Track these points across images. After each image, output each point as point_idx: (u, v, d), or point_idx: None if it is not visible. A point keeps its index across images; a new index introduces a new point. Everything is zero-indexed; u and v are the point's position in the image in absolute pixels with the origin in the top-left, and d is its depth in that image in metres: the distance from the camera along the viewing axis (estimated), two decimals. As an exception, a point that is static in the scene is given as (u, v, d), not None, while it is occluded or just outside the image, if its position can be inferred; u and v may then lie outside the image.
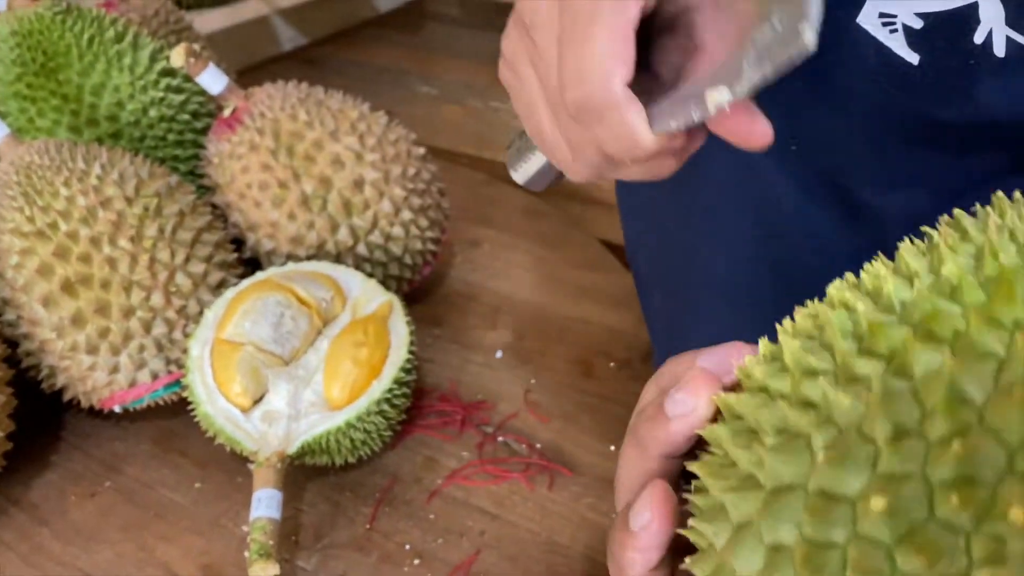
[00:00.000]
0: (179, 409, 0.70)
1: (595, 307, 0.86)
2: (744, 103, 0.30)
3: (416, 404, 0.73)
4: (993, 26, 0.32)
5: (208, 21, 1.31)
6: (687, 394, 0.26)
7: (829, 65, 0.37)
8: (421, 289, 0.87)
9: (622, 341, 0.82)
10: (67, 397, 0.69)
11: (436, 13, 1.78)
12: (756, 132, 0.30)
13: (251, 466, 0.61)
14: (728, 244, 0.56)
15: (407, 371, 0.65)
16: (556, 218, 1.00)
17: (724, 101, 0.29)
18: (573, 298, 0.87)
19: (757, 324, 0.30)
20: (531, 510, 0.64)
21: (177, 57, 0.71)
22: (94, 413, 0.72)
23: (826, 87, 0.39)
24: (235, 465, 0.68)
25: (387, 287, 0.78)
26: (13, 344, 0.68)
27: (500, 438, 0.71)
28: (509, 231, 0.98)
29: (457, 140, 1.32)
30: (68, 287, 0.64)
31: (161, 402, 0.69)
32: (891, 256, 0.24)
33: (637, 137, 0.30)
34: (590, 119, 0.30)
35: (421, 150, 0.80)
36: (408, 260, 0.79)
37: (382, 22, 1.77)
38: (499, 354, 0.80)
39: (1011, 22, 0.32)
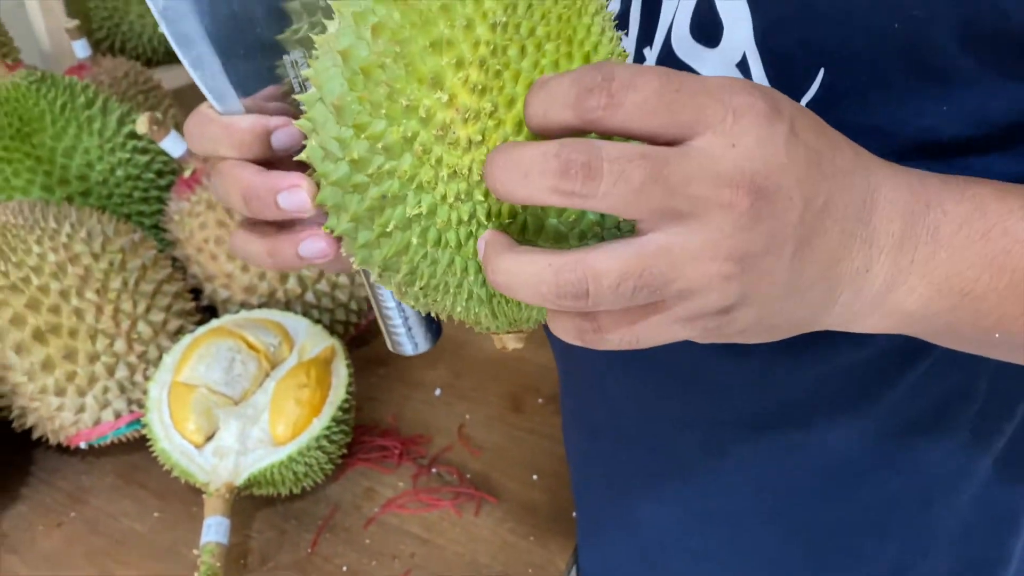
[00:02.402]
0: (140, 444, 0.77)
1: (529, 345, 0.94)
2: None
3: (359, 439, 0.80)
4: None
5: (176, 76, 1.38)
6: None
7: None
8: (368, 331, 0.95)
9: (551, 377, 0.90)
10: (36, 435, 0.75)
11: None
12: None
13: (204, 496, 0.68)
14: None
15: (345, 410, 0.72)
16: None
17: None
18: (509, 339, 0.95)
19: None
20: (458, 534, 0.72)
21: (141, 125, 0.79)
22: (61, 449, 0.79)
23: None
24: (190, 496, 0.75)
25: (335, 331, 0.86)
26: (-13, 387, 0.74)
27: (434, 469, 0.78)
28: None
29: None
30: (39, 335, 0.71)
31: (124, 438, 0.76)
32: None
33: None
34: None
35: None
36: (354, 306, 0.86)
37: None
38: (438, 392, 0.88)
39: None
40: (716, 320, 0.31)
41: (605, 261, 0.28)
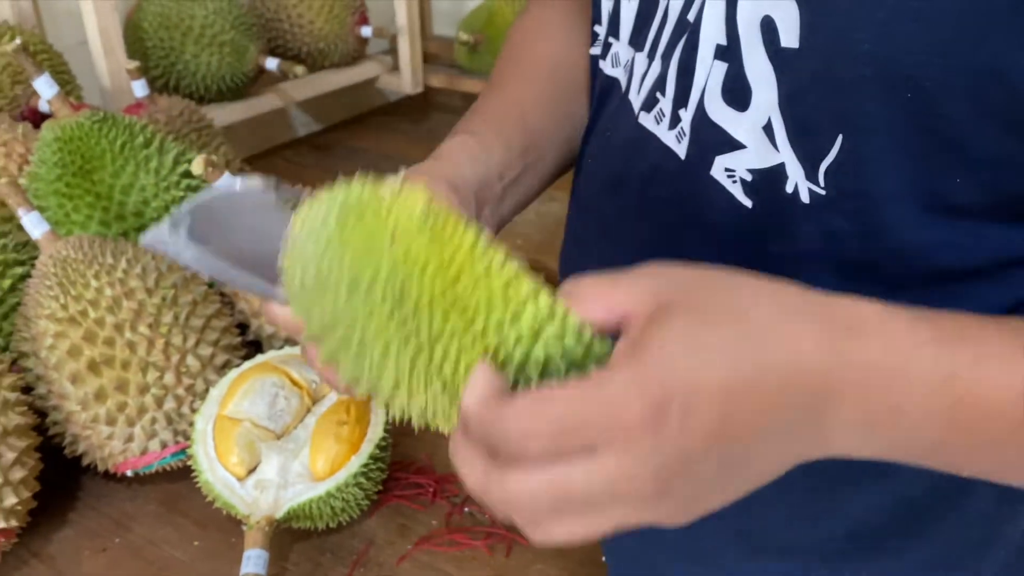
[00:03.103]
0: (183, 474, 0.80)
1: (562, 389, 0.95)
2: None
3: (394, 475, 0.82)
4: (797, 180, 0.43)
5: (227, 114, 1.43)
6: None
7: (696, 207, 0.48)
8: (406, 369, 0.97)
9: (584, 422, 0.91)
10: (86, 462, 0.78)
11: (440, 103, 1.91)
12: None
13: (244, 527, 0.70)
14: None
15: (382, 448, 0.74)
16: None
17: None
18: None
19: None
20: (489, 574, 0.73)
21: (197, 167, 0.82)
22: (108, 476, 0.81)
23: (692, 224, 0.50)
24: (230, 526, 0.77)
25: (373, 368, 0.88)
26: (42, 414, 0.77)
27: (467, 509, 0.79)
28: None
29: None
30: (93, 367, 0.74)
31: (168, 468, 0.78)
32: None
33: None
34: None
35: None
36: (393, 345, 0.88)
37: (390, 110, 1.90)
38: (472, 431, 0.89)
39: (808, 177, 0.43)
40: (673, 516, 0.34)
41: (522, 487, 0.33)
